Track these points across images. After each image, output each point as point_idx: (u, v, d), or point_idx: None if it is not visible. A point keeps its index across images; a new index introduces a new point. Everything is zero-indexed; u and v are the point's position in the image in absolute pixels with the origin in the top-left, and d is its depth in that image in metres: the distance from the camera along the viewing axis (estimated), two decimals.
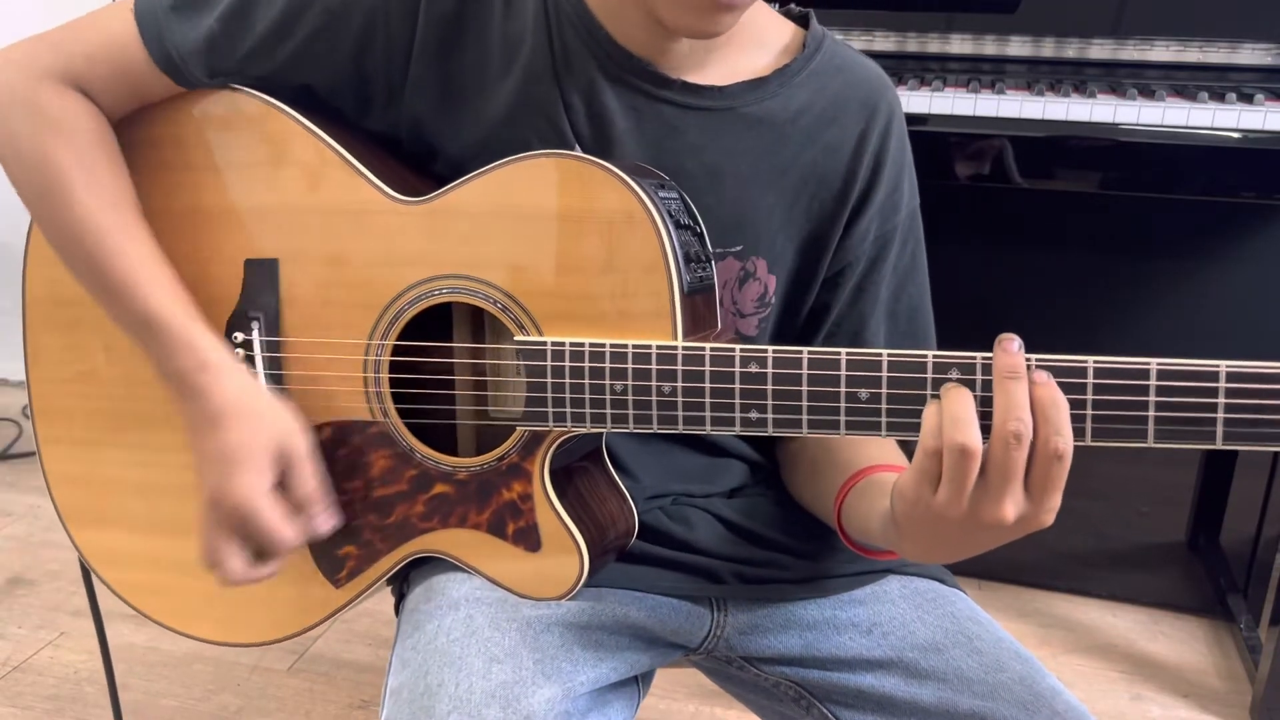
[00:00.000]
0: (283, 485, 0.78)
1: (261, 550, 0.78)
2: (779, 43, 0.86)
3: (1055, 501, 0.62)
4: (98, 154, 0.81)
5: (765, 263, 0.85)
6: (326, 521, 0.80)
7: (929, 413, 0.64)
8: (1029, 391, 0.61)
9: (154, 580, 0.91)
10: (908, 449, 0.80)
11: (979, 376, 0.64)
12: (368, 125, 0.85)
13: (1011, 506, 0.61)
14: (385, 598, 0.93)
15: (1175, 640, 1.83)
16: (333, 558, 0.85)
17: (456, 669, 0.74)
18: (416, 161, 0.85)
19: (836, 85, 0.86)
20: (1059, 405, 0.61)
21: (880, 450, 0.84)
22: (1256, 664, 1.65)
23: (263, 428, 0.77)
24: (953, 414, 0.62)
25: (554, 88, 0.81)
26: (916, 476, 0.64)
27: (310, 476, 0.78)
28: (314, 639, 1.75)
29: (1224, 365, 0.61)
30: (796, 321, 0.89)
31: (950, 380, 0.64)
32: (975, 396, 0.63)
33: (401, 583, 0.90)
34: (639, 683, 0.89)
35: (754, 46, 0.85)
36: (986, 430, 0.62)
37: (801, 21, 0.88)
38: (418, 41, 0.80)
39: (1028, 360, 0.62)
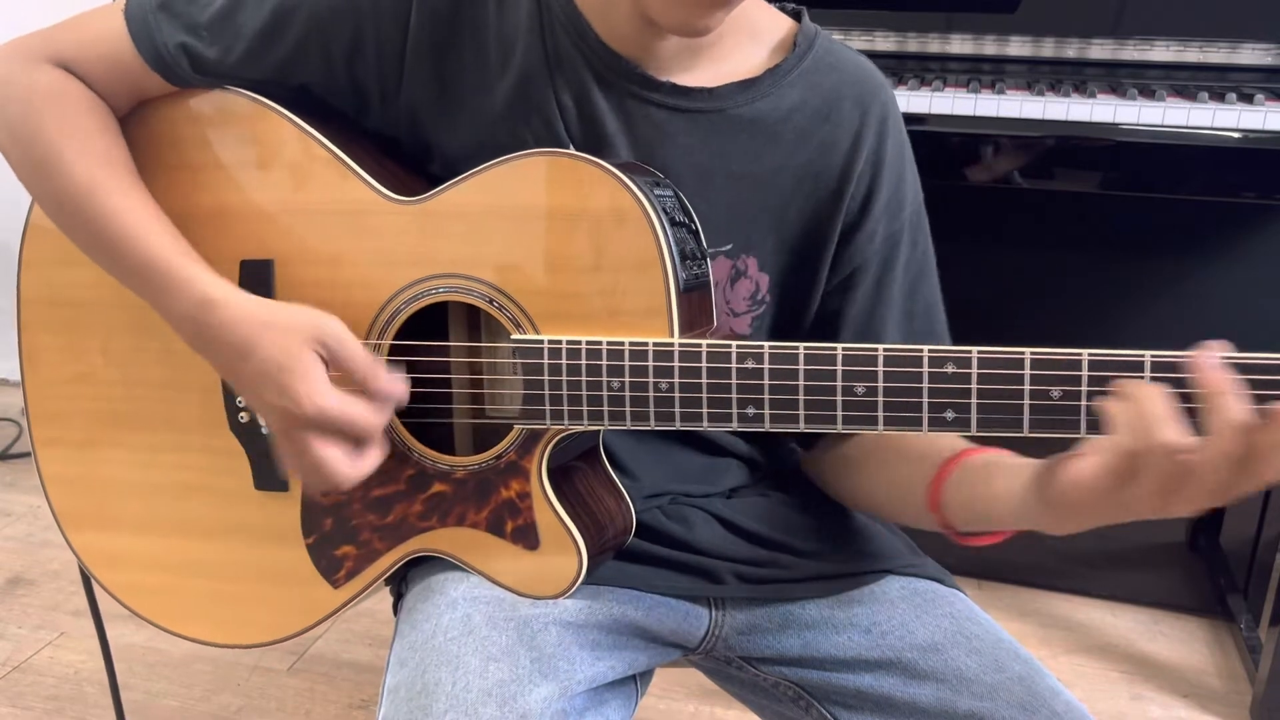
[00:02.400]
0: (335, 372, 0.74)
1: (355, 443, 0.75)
2: (773, 38, 0.86)
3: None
4: (86, 119, 0.81)
5: (755, 261, 0.85)
6: (399, 385, 0.75)
7: (1117, 410, 0.60)
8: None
9: (151, 581, 0.91)
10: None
11: (974, 370, 0.65)
12: (367, 124, 0.85)
13: (1208, 501, 0.59)
14: (384, 597, 0.93)
15: (1175, 640, 1.83)
16: (331, 558, 0.84)
17: (453, 668, 0.74)
18: (414, 161, 0.85)
19: (830, 83, 0.85)
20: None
21: (941, 436, 0.80)
22: (1256, 664, 1.65)
23: (289, 328, 0.74)
24: (1154, 413, 0.58)
25: (548, 88, 0.81)
26: (1104, 474, 0.60)
27: (357, 350, 0.74)
28: (314, 639, 1.74)
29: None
30: (801, 322, 0.88)
31: (946, 373, 0.64)
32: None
33: (400, 582, 0.90)
34: (637, 682, 0.89)
35: (747, 43, 0.84)
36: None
37: (796, 17, 0.87)
38: (410, 42, 0.80)
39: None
